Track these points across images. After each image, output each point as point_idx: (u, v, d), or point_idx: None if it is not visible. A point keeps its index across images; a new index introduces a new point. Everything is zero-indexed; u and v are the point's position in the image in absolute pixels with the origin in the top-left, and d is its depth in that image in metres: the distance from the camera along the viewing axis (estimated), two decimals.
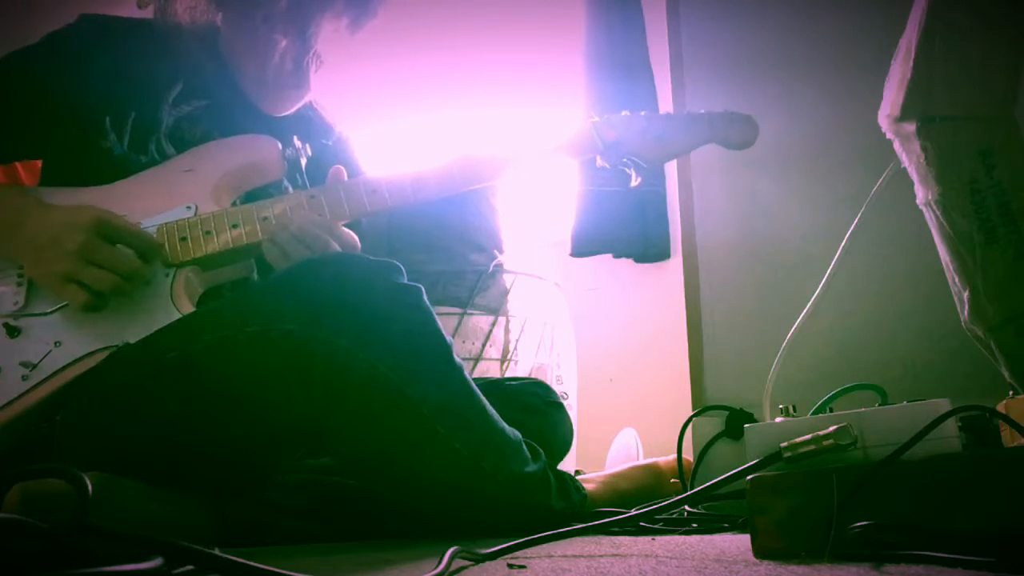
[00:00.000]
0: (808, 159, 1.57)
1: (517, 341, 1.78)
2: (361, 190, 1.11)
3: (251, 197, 1.15)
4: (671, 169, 1.69)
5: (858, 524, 0.58)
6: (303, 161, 1.22)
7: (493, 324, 1.72)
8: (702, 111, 1.24)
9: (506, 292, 1.77)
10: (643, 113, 1.24)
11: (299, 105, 1.26)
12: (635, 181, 1.25)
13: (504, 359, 1.75)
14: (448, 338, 0.97)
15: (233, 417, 0.92)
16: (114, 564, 0.42)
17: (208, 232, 1.05)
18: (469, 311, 1.69)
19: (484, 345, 1.71)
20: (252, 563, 0.45)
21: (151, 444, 0.93)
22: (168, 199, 1.09)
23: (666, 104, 1.73)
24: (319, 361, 0.88)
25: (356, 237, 1.11)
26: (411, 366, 0.92)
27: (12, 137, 1.16)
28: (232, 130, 1.18)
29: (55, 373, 0.97)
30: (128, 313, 1.00)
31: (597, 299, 1.92)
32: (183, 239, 1.05)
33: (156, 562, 0.43)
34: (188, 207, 1.08)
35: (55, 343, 0.98)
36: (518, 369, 1.73)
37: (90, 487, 0.49)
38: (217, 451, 0.93)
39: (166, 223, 1.06)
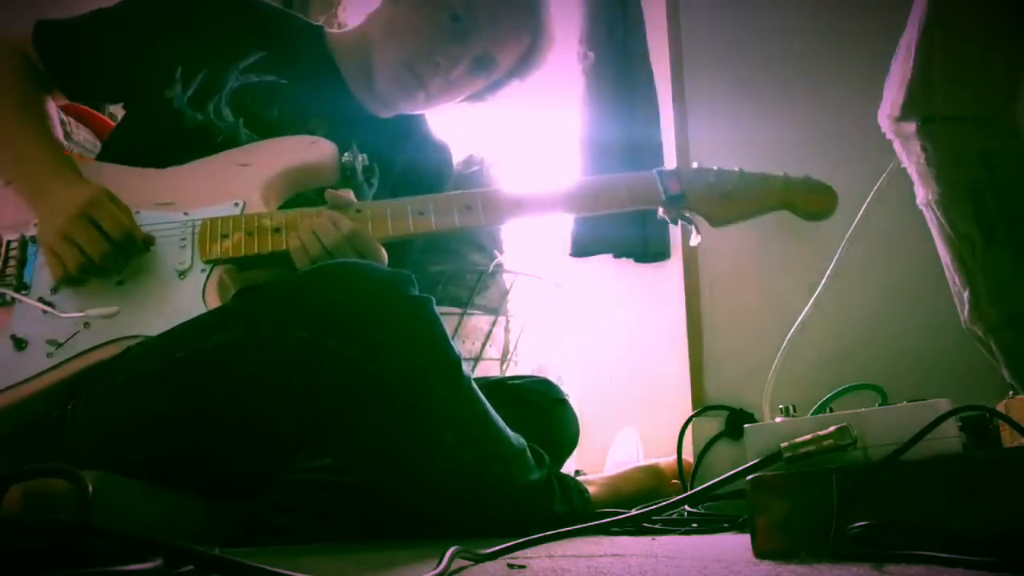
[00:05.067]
0: (808, 159, 1.56)
1: (517, 341, 1.78)
2: (408, 211, 1.09)
3: (302, 198, 1.15)
4: (670, 162, 1.69)
5: (858, 524, 0.58)
6: (359, 169, 1.22)
7: (493, 324, 1.72)
8: (779, 173, 1.17)
9: (506, 292, 1.77)
10: (715, 168, 1.18)
11: (407, 112, 1.27)
12: (695, 239, 1.18)
13: (504, 359, 1.75)
14: (457, 349, 0.97)
15: (238, 419, 0.92)
16: (114, 564, 0.42)
17: (250, 233, 1.05)
18: (469, 311, 1.69)
19: (484, 345, 1.71)
20: (252, 563, 0.45)
21: (155, 440, 0.93)
22: (218, 192, 1.09)
23: (666, 104, 1.73)
24: (327, 370, 0.88)
25: (386, 257, 1.10)
26: (420, 378, 0.91)
27: (96, 73, 1.20)
28: (303, 112, 1.19)
29: (78, 355, 0.97)
30: (158, 304, 1.01)
31: (597, 299, 1.92)
32: (224, 236, 1.04)
33: (156, 562, 0.43)
34: (236, 203, 1.08)
35: (84, 324, 0.99)
36: (518, 369, 1.73)
37: (90, 487, 0.49)
38: (220, 451, 0.93)
39: (211, 218, 1.06)
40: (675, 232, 1.67)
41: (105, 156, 1.20)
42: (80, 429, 0.95)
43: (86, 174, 1.09)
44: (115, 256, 1.01)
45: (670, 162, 1.69)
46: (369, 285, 0.93)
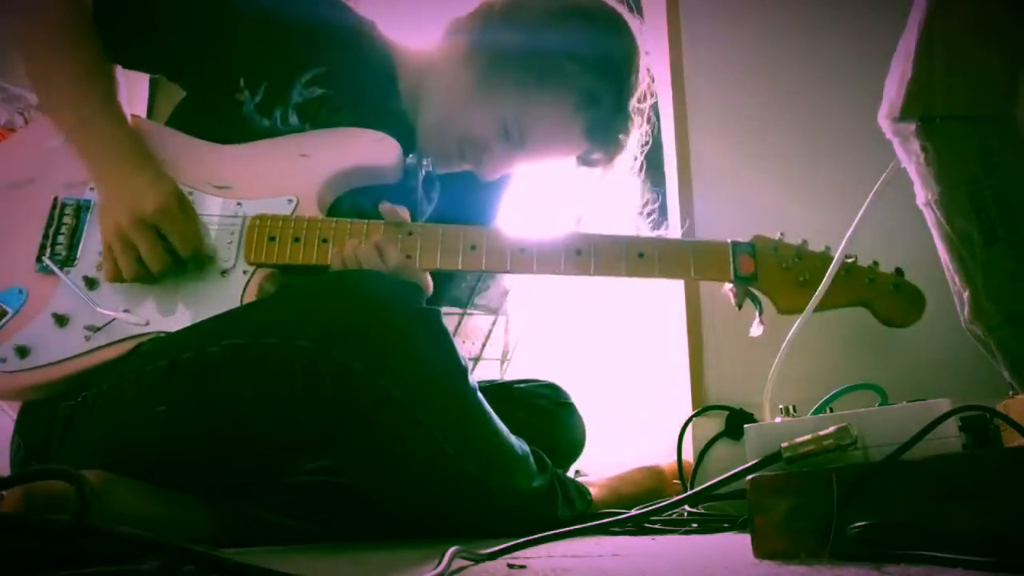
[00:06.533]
0: (808, 159, 1.57)
1: (517, 341, 1.78)
2: (460, 244, 1.06)
3: (357, 192, 1.13)
4: (670, 169, 1.69)
5: (858, 524, 0.58)
6: (421, 174, 1.19)
7: (493, 324, 1.72)
8: (868, 263, 1.07)
9: (506, 292, 1.77)
10: (796, 245, 1.08)
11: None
12: (757, 329, 1.08)
13: (504, 359, 1.75)
14: (464, 361, 0.96)
15: (239, 424, 0.92)
16: (114, 564, 0.42)
17: (298, 239, 1.03)
18: (469, 311, 1.69)
19: (484, 345, 1.71)
20: (252, 563, 0.45)
21: (157, 440, 0.93)
22: (274, 183, 1.08)
23: (666, 105, 1.72)
24: (330, 381, 0.87)
25: (431, 287, 1.08)
26: (425, 392, 0.91)
27: (154, 48, 1.13)
28: (366, 125, 1.15)
29: (111, 343, 0.98)
30: (197, 300, 1.01)
31: (597, 299, 1.92)
32: (272, 238, 1.03)
33: (155, 562, 0.43)
34: (289, 200, 1.07)
35: (123, 311, 0.99)
36: (517, 369, 1.73)
37: (90, 487, 0.49)
38: (220, 454, 0.93)
39: (262, 214, 1.05)
40: (675, 232, 1.67)
41: (171, 123, 1.17)
42: (89, 421, 0.96)
43: (151, 139, 1.07)
44: (175, 271, 1.01)
45: (669, 166, 1.69)
46: (376, 296, 0.92)
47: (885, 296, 1.07)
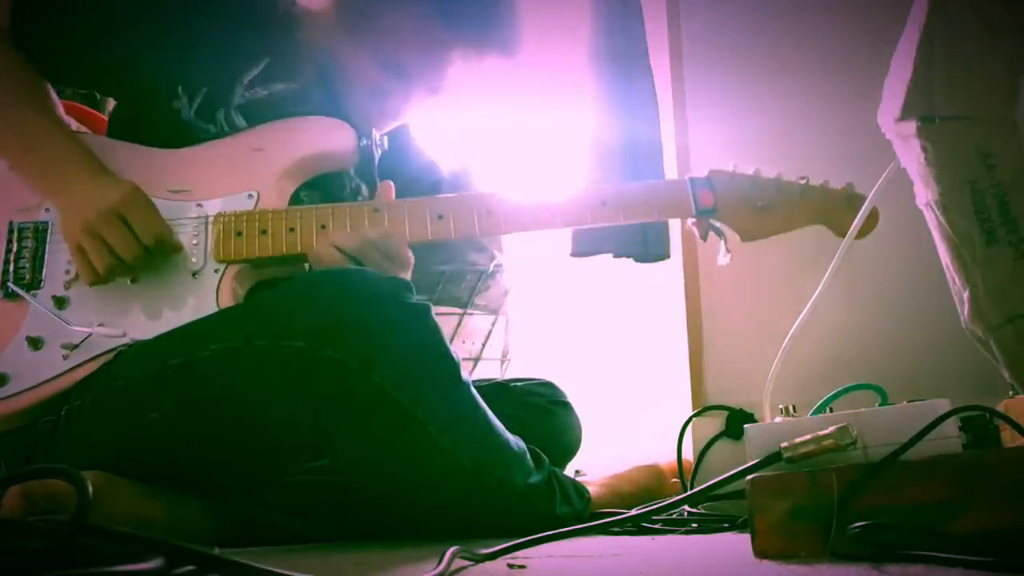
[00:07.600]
0: (808, 159, 1.56)
1: (517, 341, 1.78)
2: (427, 214, 1.05)
3: (315, 182, 1.12)
4: (670, 169, 1.69)
5: (858, 524, 0.58)
6: (377, 154, 1.17)
7: (493, 324, 1.72)
8: (818, 182, 1.11)
9: (506, 292, 1.77)
10: (753, 170, 1.10)
11: (390, 127, 1.21)
12: (724, 258, 1.10)
13: (504, 359, 1.75)
14: (456, 352, 0.96)
15: (235, 427, 0.91)
16: (114, 564, 0.42)
17: (264, 231, 1.03)
18: (469, 311, 1.69)
19: (484, 345, 1.71)
20: (252, 563, 0.45)
21: (150, 446, 0.92)
22: (232, 180, 1.06)
23: (666, 103, 1.72)
24: (326, 380, 0.87)
25: (412, 259, 1.07)
26: (419, 388, 0.91)
27: (78, 65, 1.10)
28: (306, 110, 1.13)
29: (92, 358, 0.97)
30: (172, 305, 1.00)
31: (597, 299, 1.92)
32: (239, 234, 1.03)
33: (156, 562, 0.43)
34: (250, 195, 1.06)
35: (98, 325, 0.98)
36: (517, 369, 1.73)
37: (90, 488, 0.49)
38: (217, 457, 0.93)
39: (225, 212, 1.04)
40: (675, 232, 1.67)
41: (110, 135, 1.14)
42: (76, 433, 0.95)
43: (97, 151, 1.05)
44: (146, 260, 1.00)
45: (669, 166, 1.69)
46: (366, 293, 0.92)
47: (839, 210, 1.09)
